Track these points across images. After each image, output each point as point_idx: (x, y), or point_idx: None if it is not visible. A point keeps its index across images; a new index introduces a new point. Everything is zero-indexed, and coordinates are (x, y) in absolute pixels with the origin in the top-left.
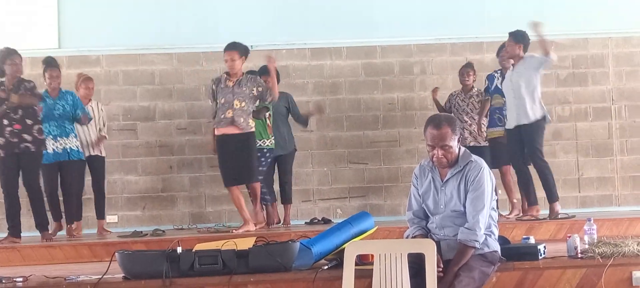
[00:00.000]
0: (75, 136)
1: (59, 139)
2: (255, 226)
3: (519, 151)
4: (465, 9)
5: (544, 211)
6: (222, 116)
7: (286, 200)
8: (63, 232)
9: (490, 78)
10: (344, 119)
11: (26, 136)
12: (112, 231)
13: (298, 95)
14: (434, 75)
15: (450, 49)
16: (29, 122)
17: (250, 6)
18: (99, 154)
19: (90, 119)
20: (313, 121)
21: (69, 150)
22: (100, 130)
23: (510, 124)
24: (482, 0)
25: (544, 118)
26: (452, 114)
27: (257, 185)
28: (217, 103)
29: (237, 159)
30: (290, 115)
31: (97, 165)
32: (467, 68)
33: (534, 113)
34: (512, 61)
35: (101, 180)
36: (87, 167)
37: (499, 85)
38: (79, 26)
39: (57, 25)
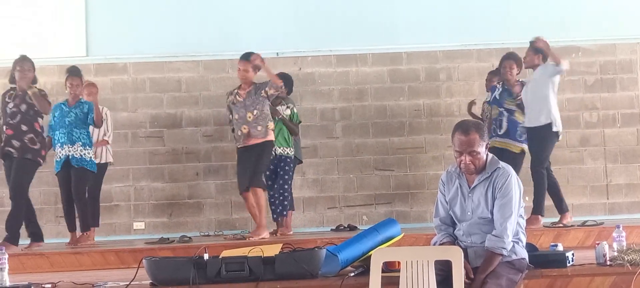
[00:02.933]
0: (83, 144)
1: (64, 146)
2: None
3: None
4: (490, 15)
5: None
6: (239, 133)
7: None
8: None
9: (493, 89)
10: (369, 125)
11: (15, 142)
12: (138, 238)
13: (324, 102)
14: (461, 81)
15: (477, 55)
16: (23, 128)
17: (276, 13)
18: (100, 161)
19: (100, 125)
20: (339, 128)
21: (72, 157)
22: (105, 134)
23: (528, 123)
24: (507, 5)
25: (549, 125)
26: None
27: (260, 192)
28: (232, 118)
29: (247, 164)
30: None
31: (97, 171)
32: (493, 75)
33: (540, 119)
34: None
35: (97, 188)
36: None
37: (497, 97)
38: (107, 34)
39: (85, 33)
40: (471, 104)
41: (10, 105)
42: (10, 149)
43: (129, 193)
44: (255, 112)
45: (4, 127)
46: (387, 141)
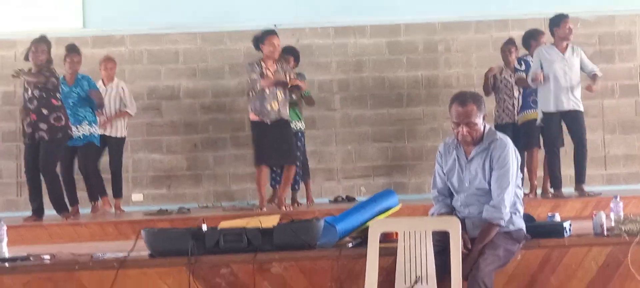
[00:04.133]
0: (89, 123)
1: (71, 127)
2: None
3: (560, 133)
4: None
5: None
6: (269, 108)
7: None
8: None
9: (525, 61)
10: (368, 97)
11: (42, 125)
12: (136, 209)
13: (322, 74)
14: (459, 53)
15: (475, 27)
16: (44, 111)
17: None
18: (115, 135)
19: (102, 106)
20: (337, 99)
21: (81, 136)
22: (124, 106)
23: (561, 106)
24: None
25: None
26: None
27: (294, 169)
28: (256, 88)
29: (280, 141)
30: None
31: (113, 144)
32: (510, 44)
33: (580, 104)
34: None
35: (118, 160)
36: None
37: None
38: (104, 6)
39: (81, 5)
40: (491, 69)
41: (29, 90)
42: (41, 133)
43: (127, 165)
44: (284, 93)
45: (27, 112)
46: (385, 113)
